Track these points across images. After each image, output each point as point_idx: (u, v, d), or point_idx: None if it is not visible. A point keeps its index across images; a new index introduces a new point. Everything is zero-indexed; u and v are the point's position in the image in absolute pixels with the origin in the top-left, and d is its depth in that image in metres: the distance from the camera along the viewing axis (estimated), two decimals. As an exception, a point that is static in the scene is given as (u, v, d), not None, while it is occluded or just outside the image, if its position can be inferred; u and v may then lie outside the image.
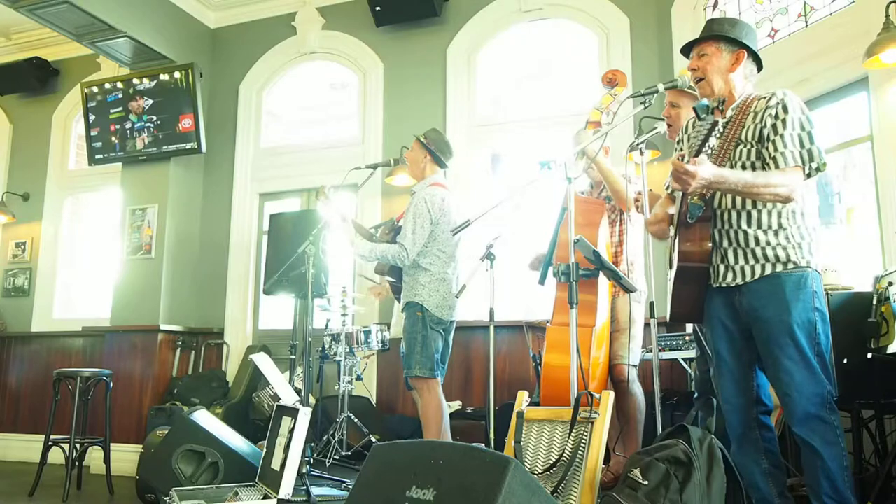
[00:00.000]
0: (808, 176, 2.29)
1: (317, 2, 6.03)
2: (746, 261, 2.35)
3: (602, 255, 2.81)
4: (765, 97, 2.40)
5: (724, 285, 2.40)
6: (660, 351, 3.30)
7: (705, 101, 2.31)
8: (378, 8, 5.53)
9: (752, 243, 2.35)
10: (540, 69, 5.67)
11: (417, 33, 5.69)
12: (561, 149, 3.88)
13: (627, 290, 2.90)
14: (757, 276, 2.33)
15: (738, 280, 2.36)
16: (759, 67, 2.54)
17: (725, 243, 2.40)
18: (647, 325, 3.39)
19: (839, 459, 2.19)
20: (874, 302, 2.82)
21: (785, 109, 2.31)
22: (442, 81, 5.55)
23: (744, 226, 2.36)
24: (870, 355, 2.79)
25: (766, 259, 2.32)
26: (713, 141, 2.20)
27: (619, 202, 3.43)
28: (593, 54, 5.27)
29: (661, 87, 2.83)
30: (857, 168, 4.05)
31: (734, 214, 2.39)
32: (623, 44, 5.06)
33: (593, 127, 3.19)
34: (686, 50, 2.59)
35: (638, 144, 3.11)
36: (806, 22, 4.22)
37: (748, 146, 2.37)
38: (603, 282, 3.20)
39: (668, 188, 2.69)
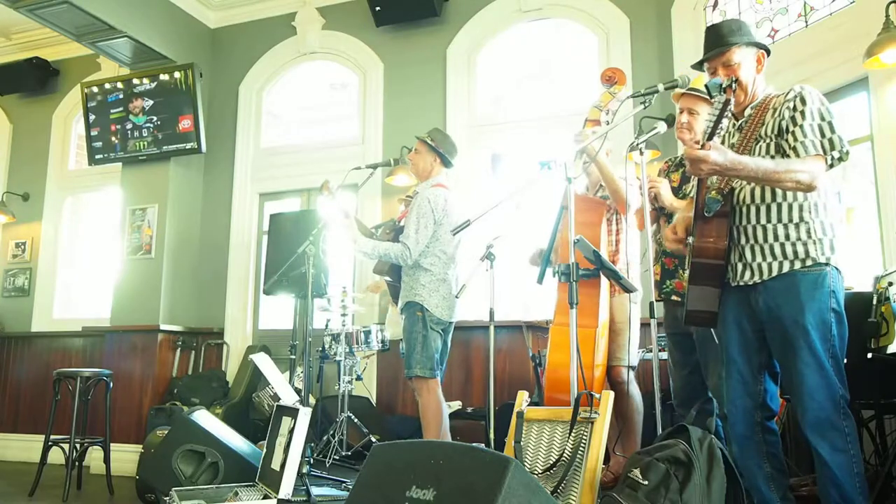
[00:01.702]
0: (831, 165, 2.24)
1: (317, 2, 6.04)
2: (764, 258, 2.30)
3: (602, 255, 2.81)
4: (782, 94, 2.37)
5: (741, 284, 2.36)
6: (660, 351, 3.29)
7: (717, 79, 2.28)
8: (378, 8, 5.53)
9: (770, 239, 2.30)
10: (540, 69, 5.68)
11: (417, 33, 5.69)
12: (561, 149, 3.88)
13: (627, 290, 2.90)
14: (774, 273, 2.28)
15: (756, 278, 2.32)
16: None
17: (743, 240, 2.36)
18: (646, 325, 3.39)
19: (848, 467, 2.15)
20: (874, 302, 2.82)
21: (803, 101, 2.27)
22: (442, 81, 5.55)
23: (763, 220, 2.32)
24: (870, 355, 2.79)
25: (785, 256, 2.27)
26: (725, 122, 2.17)
27: (618, 205, 3.42)
28: (593, 54, 5.27)
29: (661, 87, 2.83)
30: (857, 168, 4.05)
31: (753, 210, 2.34)
32: (623, 44, 5.06)
33: (592, 125, 3.18)
34: (699, 62, 2.52)
35: (638, 144, 3.11)
36: (806, 22, 4.22)
37: (767, 141, 2.33)
38: (604, 282, 3.20)
39: (683, 194, 2.67)
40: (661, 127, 3.12)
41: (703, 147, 2.15)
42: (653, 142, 4.23)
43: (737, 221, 2.38)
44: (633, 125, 4.27)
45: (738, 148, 2.38)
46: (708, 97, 2.98)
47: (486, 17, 5.54)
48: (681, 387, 3.09)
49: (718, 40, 2.44)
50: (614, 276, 2.85)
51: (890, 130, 3.62)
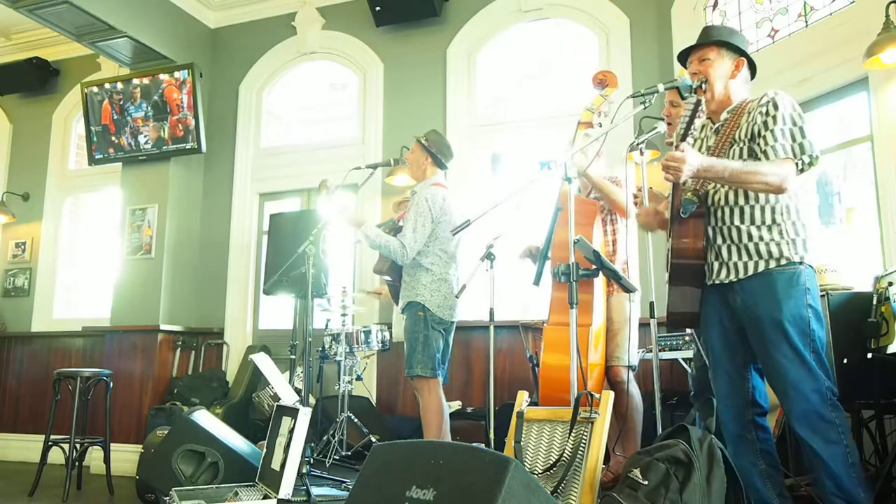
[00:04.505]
0: (801, 170, 2.30)
1: (317, 2, 6.04)
2: (740, 257, 2.36)
3: (601, 255, 2.81)
4: (756, 98, 2.44)
5: (717, 282, 2.41)
6: (660, 351, 3.29)
7: (687, 80, 2.34)
8: (378, 8, 5.53)
9: (745, 239, 2.36)
10: (540, 69, 5.68)
11: (417, 33, 5.69)
12: (561, 149, 3.89)
13: (627, 289, 2.89)
14: (750, 272, 2.33)
15: (732, 276, 2.37)
16: (753, 76, 2.60)
17: (719, 240, 2.41)
18: (646, 324, 3.39)
19: (842, 457, 2.17)
20: (874, 302, 2.82)
21: (775, 106, 2.34)
22: (442, 81, 5.55)
23: (737, 222, 2.38)
24: (870, 355, 2.79)
25: (759, 255, 2.33)
26: (697, 123, 2.23)
27: (618, 212, 3.44)
28: (593, 54, 5.27)
29: (661, 88, 2.83)
30: (857, 168, 4.05)
31: (727, 210, 2.40)
32: (623, 44, 5.06)
33: (584, 128, 3.21)
34: (683, 56, 2.61)
35: (638, 144, 3.11)
36: (806, 22, 4.22)
37: (741, 145, 2.40)
38: (598, 281, 3.19)
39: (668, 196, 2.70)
40: (661, 127, 3.13)
41: (676, 148, 2.20)
42: (653, 142, 4.23)
43: (713, 222, 2.43)
44: (633, 125, 4.27)
45: (713, 151, 2.43)
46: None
47: (486, 17, 5.54)
48: (696, 378, 3.12)
49: (708, 35, 2.54)
50: (614, 276, 2.85)
51: (890, 130, 3.62)
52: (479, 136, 5.46)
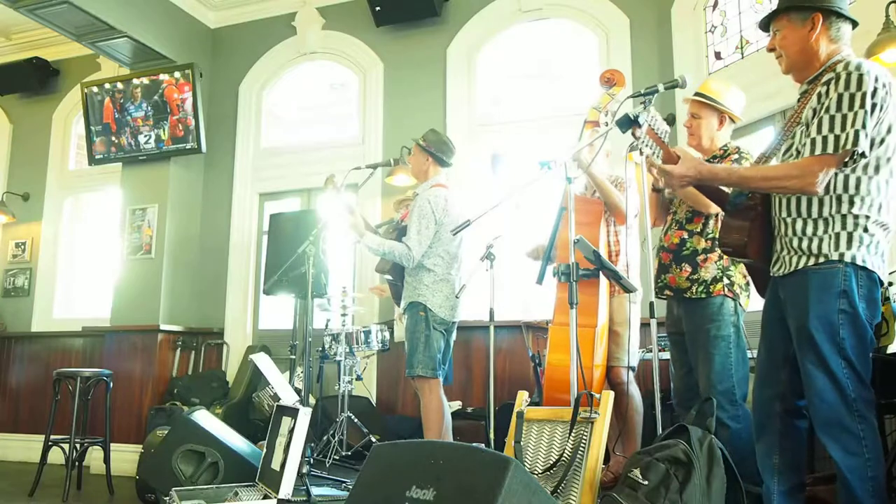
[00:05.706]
0: (854, 161, 2.05)
1: (317, 2, 6.04)
2: (788, 252, 2.23)
3: (602, 255, 2.81)
4: (833, 66, 2.15)
5: (772, 274, 2.32)
6: (660, 351, 3.29)
7: (625, 116, 2.37)
8: (378, 8, 5.53)
9: (789, 233, 2.22)
10: (540, 69, 5.68)
11: (417, 33, 5.69)
12: (561, 149, 3.88)
13: (627, 290, 2.90)
14: (791, 268, 2.20)
15: (781, 271, 2.26)
16: (854, 24, 2.24)
17: (776, 231, 2.30)
18: (646, 325, 3.39)
19: (860, 470, 2.08)
20: (874, 302, 2.81)
21: (836, 85, 2.06)
22: (442, 81, 5.55)
23: (783, 213, 2.24)
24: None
25: (802, 251, 2.17)
26: (653, 150, 2.24)
27: (615, 216, 3.42)
28: (593, 54, 5.27)
29: (661, 87, 2.83)
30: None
31: (776, 202, 2.28)
32: (623, 44, 5.06)
33: (591, 126, 3.19)
34: (765, 23, 2.38)
35: (638, 145, 3.10)
36: (806, 22, 4.21)
37: (802, 127, 2.18)
38: (603, 281, 3.20)
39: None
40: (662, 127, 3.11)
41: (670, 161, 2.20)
42: (653, 142, 4.22)
43: (773, 212, 2.32)
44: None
45: (784, 129, 2.29)
46: (712, 102, 2.99)
47: (486, 17, 5.54)
48: (678, 386, 3.09)
49: (778, 1, 2.30)
50: (614, 276, 2.85)
51: (890, 130, 3.61)
52: (479, 136, 5.46)
